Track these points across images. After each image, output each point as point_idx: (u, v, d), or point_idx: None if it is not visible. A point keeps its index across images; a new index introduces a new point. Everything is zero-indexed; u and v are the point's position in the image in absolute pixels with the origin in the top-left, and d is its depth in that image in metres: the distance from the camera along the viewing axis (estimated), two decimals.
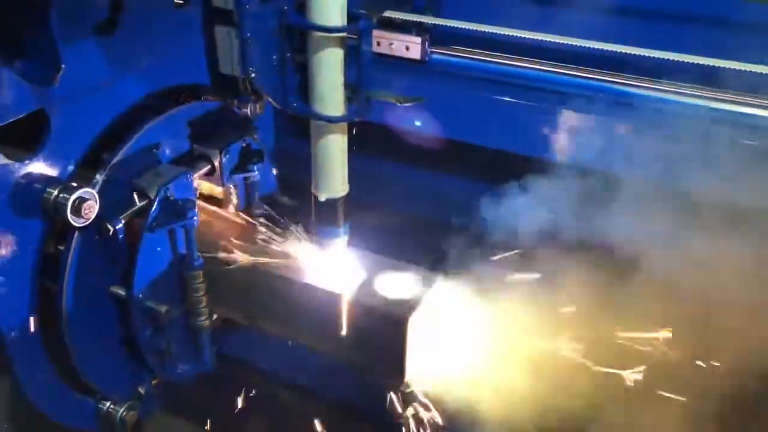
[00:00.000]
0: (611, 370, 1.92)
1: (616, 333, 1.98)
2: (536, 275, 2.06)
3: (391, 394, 2.05)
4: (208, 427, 2.57)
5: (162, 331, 2.09)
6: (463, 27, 2.42)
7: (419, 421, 2.04)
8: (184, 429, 2.69)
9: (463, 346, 1.96)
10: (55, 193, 1.84)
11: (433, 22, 2.45)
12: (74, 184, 1.87)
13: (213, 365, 2.24)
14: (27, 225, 1.90)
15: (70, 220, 1.85)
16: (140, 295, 2.03)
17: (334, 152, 1.82)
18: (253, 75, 1.70)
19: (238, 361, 2.68)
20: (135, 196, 1.97)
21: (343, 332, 1.93)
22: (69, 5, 1.77)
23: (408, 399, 2.02)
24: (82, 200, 1.85)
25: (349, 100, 1.76)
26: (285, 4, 1.64)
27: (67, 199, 1.83)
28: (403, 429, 2.06)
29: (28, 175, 1.86)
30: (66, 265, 1.95)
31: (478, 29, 2.39)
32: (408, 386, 1.98)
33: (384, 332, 1.88)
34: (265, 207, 2.25)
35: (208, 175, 2.20)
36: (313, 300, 1.95)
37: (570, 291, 2.00)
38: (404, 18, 2.45)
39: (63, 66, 1.77)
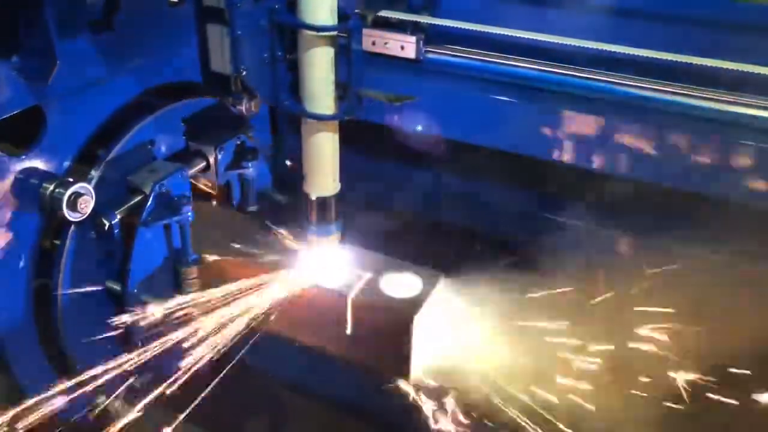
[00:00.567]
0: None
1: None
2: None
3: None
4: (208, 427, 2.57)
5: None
6: (458, 27, 2.43)
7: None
8: (185, 429, 2.69)
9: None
10: (51, 188, 1.85)
11: (428, 22, 2.46)
12: (70, 179, 1.89)
13: None
14: (23, 220, 1.92)
15: (66, 214, 1.86)
16: (135, 290, 2.05)
17: (324, 151, 1.83)
18: (244, 73, 1.70)
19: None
20: (130, 192, 1.99)
21: (349, 331, 1.94)
22: (65, 2, 1.80)
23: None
24: (77, 195, 1.87)
25: (340, 98, 1.76)
26: (276, 2, 1.65)
27: (62, 194, 1.85)
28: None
29: (25, 170, 1.88)
30: (61, 259, 1.97)
31: (473, 29, 2.40)
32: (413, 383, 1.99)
33: (390, 331, 1.89)
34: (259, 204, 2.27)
35: (203, 172, 2.22)
36: (319, 300, 1.96)
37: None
38: (399, 17, 2.46)
39: (59, 62, 1.80)
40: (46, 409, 1.95)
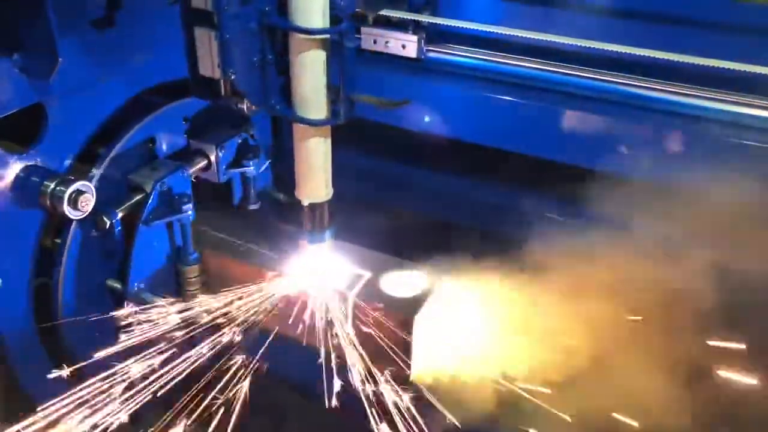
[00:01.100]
0: None
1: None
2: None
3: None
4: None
5: None
6: (459, 26, 2.43)
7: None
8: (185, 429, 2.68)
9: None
10: (52, 185, 1.85)
11: (429, 21, 2.46)
12: (71, 177, 1.88)
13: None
14: (24, 217, 1.91)
15: (67, 212, 1.86)
16: (136, 289, 2.04)
17: (316, 156, 1.77)
18: (233, 77, 1.63)
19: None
20: (131, 191, 1.98)
21: (349, 331, 1.94)
22: None
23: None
24: (79, 193, 1.86)
25: (333, 102, 1.69)
26: (266, 5, 1.59)
27: (64, 192, 1.84)
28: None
29: (26, 168, 1.87)
30: (63, 258, 1.97)
31: (475, 28, 2.41)
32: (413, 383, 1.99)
33: (390, 331, 1.89)
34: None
35: (205, 170, 2.22)
36: (318, 300, 1.95)
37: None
38: (400, 16, 2.46)
39: (60, 60, 1.79)
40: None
